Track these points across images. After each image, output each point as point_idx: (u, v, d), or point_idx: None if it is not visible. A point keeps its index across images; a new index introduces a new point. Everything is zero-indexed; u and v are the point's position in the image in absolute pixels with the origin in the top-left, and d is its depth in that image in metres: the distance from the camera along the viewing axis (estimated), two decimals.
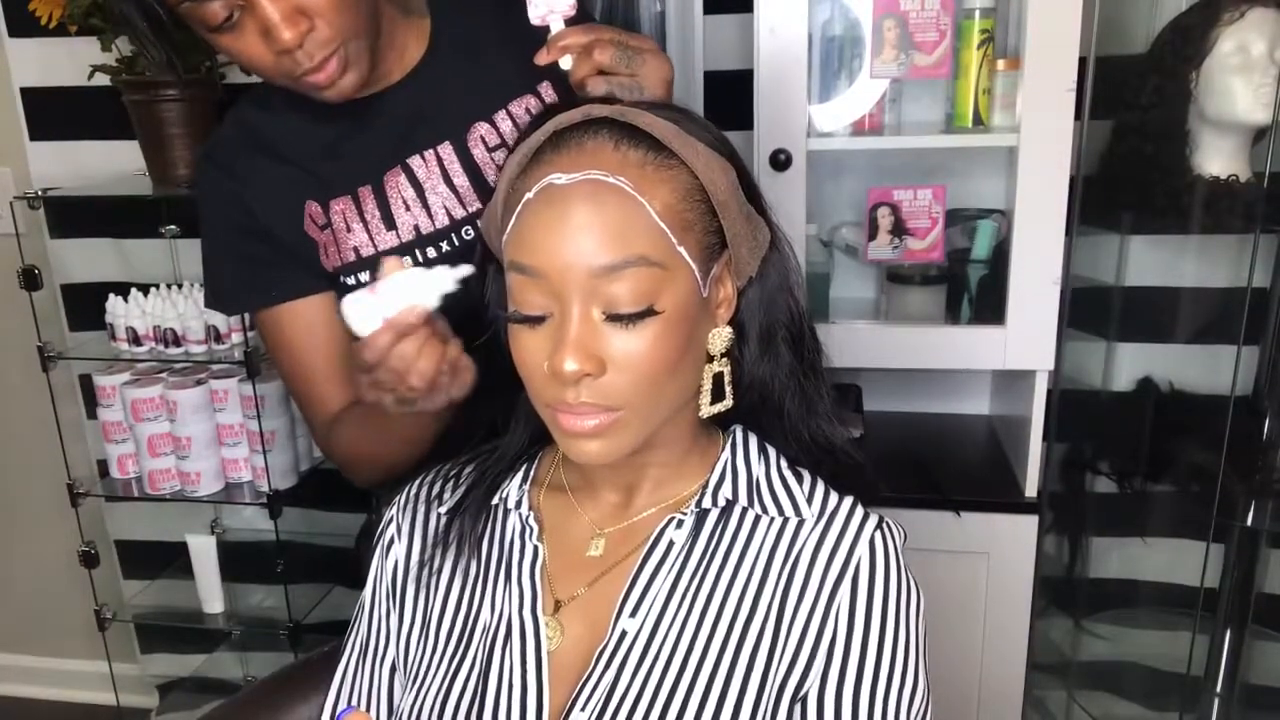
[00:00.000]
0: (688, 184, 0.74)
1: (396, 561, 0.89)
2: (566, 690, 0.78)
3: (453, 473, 0.91)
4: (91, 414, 2.13)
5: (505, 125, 1.09)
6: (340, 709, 0.89)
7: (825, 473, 0.85)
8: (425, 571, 0.87)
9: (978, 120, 1.62)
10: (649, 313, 0.71)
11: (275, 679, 1.11)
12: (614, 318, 0.71)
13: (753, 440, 0.85)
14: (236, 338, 1.84)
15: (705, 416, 0.80)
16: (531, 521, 0.84)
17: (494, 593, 0.83)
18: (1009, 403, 1.86)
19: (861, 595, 0.77)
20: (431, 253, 1.08)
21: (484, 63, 1.09)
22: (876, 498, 0.85)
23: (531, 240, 0.72)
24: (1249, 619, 1.85)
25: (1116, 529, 1.99)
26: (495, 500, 0.87)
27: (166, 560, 2.20)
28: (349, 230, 1.07)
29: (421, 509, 0.90)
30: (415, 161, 1.08)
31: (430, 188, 1.08)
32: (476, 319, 0.84)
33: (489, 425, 0.89)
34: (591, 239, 0.70)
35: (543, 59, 0.93)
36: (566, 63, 0.92)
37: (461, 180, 1.08)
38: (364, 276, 1.06)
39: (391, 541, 0.90)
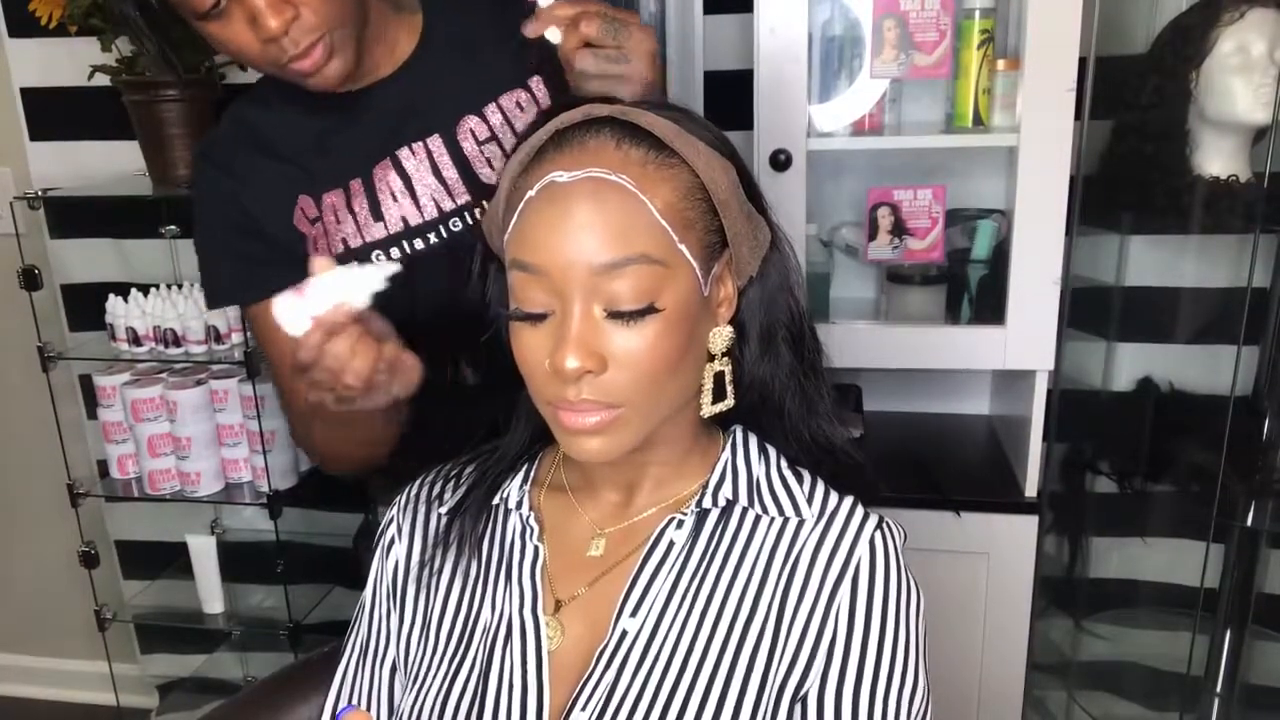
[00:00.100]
0: (689, 183, 0.74)
1: (397, 562, 0.89)
2: (567, 690, 0.78)
3: (453, 473, 0.91)
4: (91, 414, 2.13)
5: (495, 118, 1.10)
6: (340, 708, 0.89)
7: (825, 473, 0.85)
8: (426, 572, 0.87)
9: (978, 120, 1.62)
10: (650, 310, 0.71)
11: (275, 679, 1.11)
12: (615, 315, 0.71)
13: (753, 440, 0.85)
14: (236, 338, 1.84)
15: (706, 416, 0.80)
16: (532, 522, 0.84)
17: (494, 593, 0.83)
18: (1009, 403, 1.86)
19: (862, 595, 0.77)
20: (419, 244, 1.09)
21: (478, 60, 1.10)
22: (876, 498, 0.85)
23: (533, 238, 0.72)
24: (1249, 619, 1.85)
25: (1116, 529, 1.99)
26: (496, 500, 0.87)
27: (166, 560, 2.20)
28: (338, 223, 1.08)
29: (422, 509, 0.90)
30: (404, 154, 1.09)
31: (419, 179, 1.08)
32: (478, 317, 0.84)
33: (490, 425, 0.89)
34: (593, 237, 0.70)
35: (530, 31, 0.96)
36: (554, 35, 0.95)
37: (450, 173, 1.09)
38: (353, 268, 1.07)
39: (392, 542, 0.90)
